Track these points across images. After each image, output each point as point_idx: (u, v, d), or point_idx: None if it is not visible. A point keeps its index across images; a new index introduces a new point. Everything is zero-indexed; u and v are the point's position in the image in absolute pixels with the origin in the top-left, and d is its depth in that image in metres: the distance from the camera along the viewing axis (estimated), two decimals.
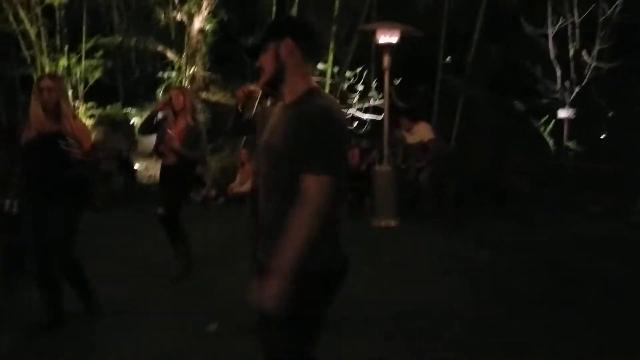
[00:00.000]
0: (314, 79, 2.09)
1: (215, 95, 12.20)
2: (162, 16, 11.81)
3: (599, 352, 3.59)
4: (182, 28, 11.86)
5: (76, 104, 11.91)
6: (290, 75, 1.98)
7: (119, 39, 12.05)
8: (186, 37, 11.77)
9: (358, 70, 11.33)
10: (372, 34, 8.04)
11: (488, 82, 12.00)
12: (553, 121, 11.04)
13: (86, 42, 11.72)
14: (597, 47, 10.35)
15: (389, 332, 3.87)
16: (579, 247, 6.41)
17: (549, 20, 10.58)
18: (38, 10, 11.04)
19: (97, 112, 12.25)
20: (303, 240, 1.80)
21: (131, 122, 12.07)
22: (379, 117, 8.56)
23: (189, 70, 11.88)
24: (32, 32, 11.13)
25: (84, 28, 11.57)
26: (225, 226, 7.07)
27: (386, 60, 7.94)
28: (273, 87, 2.04)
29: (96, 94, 12.05)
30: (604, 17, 10.21)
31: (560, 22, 10.51)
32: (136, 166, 11.44)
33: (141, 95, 12.61)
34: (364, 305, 4.39)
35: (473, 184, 9.22)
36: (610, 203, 8.43)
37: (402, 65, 10.13)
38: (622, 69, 10.25)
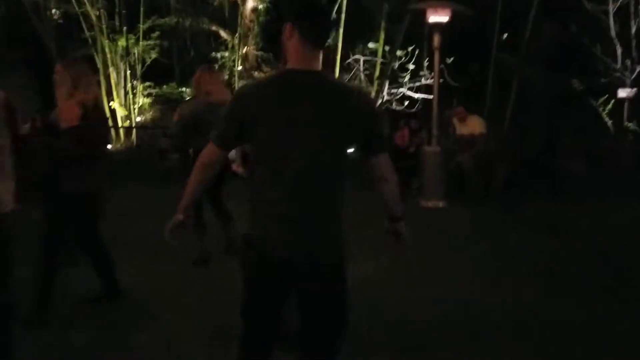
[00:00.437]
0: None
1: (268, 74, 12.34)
2: None
3: None
4: (235, 8, 12.02)
5: (134, 84, 12.34)
6: (289, 58, 2.05)
7: (175, 19, 12.33)
8: (239, 17, 11.93)
9: (410, 49, 11.22)
10: (423, 13, 7.95)
11: (544, 61, 11.66)
12: (612, 101, 10.66)
13: (143, 23, 12.08)
14: None
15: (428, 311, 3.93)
16: (635, 234, 6.24)
17: None
18: None
19: (154, 91, 12.65)
20: (187, 189, 2.15)
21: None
22: (431, 97, 8.51)
23: (242, 50, 12.05)
24: (92, 14, 11.55)
25: (141, 9, 11.90)
26: None
27: (436, 39, 7.85)
28: None
29: (153, 73, 12.42)
30: None
31: None
32: None
33: None
34: (412, 286, 4.46)
35: (525, 166, 9.05)
36: None
37: (456, 44, 9.98)
38: None
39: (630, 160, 9.66)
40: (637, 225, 6.65)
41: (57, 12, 11.98)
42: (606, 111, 10.80)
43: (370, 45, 11.63)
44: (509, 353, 3.39)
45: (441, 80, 8.75)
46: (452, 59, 10.70)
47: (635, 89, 10.27)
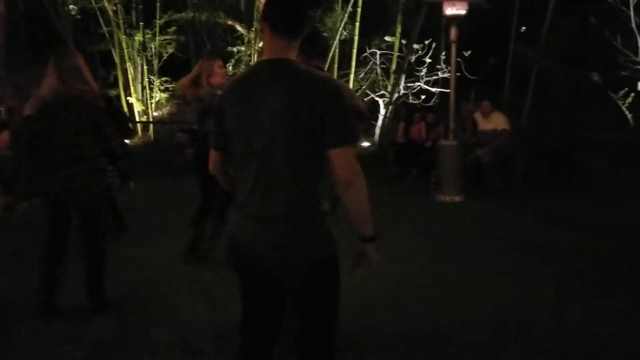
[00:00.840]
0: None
1: None
2: None
3: None
4: (251, 2, 12.01)
5: (151, 79, 12.40)
6: (264, 50, 2.08)
7: (191, 14, 12.35)
8: (255, 11, 11.92)
9: (426, 42, 11.14)
10: (440, 6, 7.88)
11: (563, 53, 11.51)
12: (632, 94, 10.49)
13: (160, 17, 12.12)
14: None
15: (446, 305, 3.91)
16: None
17: None
18: None
19: (170, 86, 12.70)
20: None
21: None
22: (448, 90, 8.45)
23: (258, 44, 12.05)
24: (109, 9, 11.62)
25: (158, 4, 11.95)
26: None
27: (453, 32, 7.78)
28: None
29: (170, 68, 12.47)
30: None
31: None
32: None
33: None
34: (423, 281, 4.45)
35: (544, 160, 8.96)
36: None
37: (473, 36, 9.88)
38: None
39: None
40: None
41: (75, 8, 12.06)
42: (626, 104, 10.63)
43: (387, 38, 11.56)
44: (530, 347, 3.37)
45: (458, 74, 8.66)
46: (469, 52, 10.59)
47: None
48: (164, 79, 12.61)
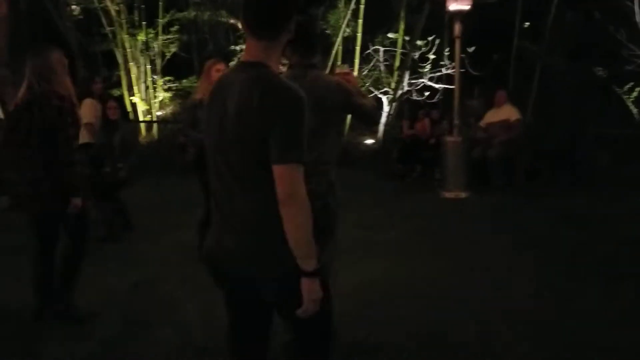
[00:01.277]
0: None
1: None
2: None
3: None
4: None
5: (154, 78, 12.40)
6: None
7: (193, 13, 12.34)
8: None
9: (430, 38, 11.10)
10: (443, 2, 7.85)
11: (568, 49, 11.44)
12: (638, 89, 10.43)
13: (162, 17, 12.10)
14: None
15: (453, 307, 3.89)
16: None
17: None
18: None
19: (174, 85, 12.71)
20: None
21: None
22: (452, 86, 8.42)
23: None
24: (112, 9, 11.61)
25: (160, 3, 11.94)
26: None
27: (457, 28, 7.76)
28: None
29: (172, 68, 12.47)
30: None
31: None
32: None
33: None
34: (428, 281, 4.43)
35: (548, 156, 8.92)
36: None
37: (477, 32, 9.84)
38: None
39: None
40: None
41: (77, 8, 12.06)
42: (631, 99, 10.57)
43: (390, 35, 11.52)
44: (538, 343, 3.34)
45: (462, 70, 8.63)
46: (473, 48, 10.55)
47: None
48: (167, 78, 12.61)
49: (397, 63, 11.65)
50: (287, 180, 1.70)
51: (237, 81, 1.82)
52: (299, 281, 1.76)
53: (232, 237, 1.86)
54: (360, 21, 11.16)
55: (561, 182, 8.34)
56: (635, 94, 10.51)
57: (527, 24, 11.47)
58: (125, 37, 11.85)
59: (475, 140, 8.41)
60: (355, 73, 11.40)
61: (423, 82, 11.47)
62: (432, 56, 11.18)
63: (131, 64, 12.07)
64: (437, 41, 11.11)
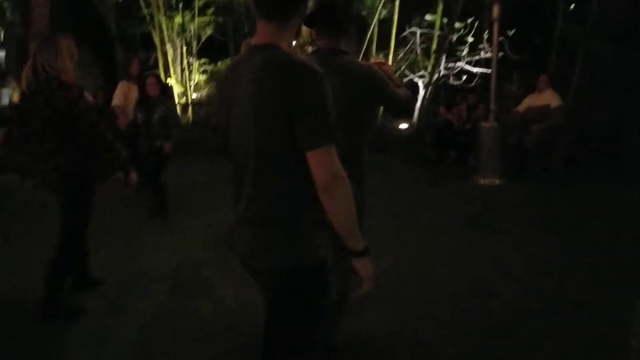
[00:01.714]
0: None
1: None
2: None
3: None
4: None
5: (190, 60, 12.48)
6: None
7: None
8: None
9: (469, 21, 10.83)
10: None
11: (613, 32, 11.00)
12: None
13: None
14: None
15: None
16: None
17: None
18: None
19: (209, 67, 12.77)
20: None
21: None
22: (490, 71, 8.20)
23: None
24: None
25: None
26: None
27: (495, 10, 7.54)
28: None
29: (208, 50, 12.52)
30: None
31: None
32: None
33: None
34: (459, 267, 4.34)
35: (590, 143, 8.64)
36: None
37: (518, 14, 9.55)
38: None
39: None
40: None
41: None
42: None
43: (428, 17, 11.28)
44: (570, 338, 3.24)
45: (501, 54, 8.39)
46: (513, 30, 10.24)
47: None
48: (202, 60, 12.68)
49: (434, 46, 11.42)
50: (324, 164, 1.59)
51: (248, 65, 1.72)
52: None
53: (249, 228, 1.76)
54: (397, 2, 10.96)
55: (603, 170, 8.06)
56: None
57: (572, 6, 11.06)
58: (162, 19, 11.94)
59: (513, 126, 8.20)
60: (391, 56, 11.23)
61: (460, 65, 11.23)
62: (470, 39, 10.91)
63: (168, 45, 12.17)
64: (476, 23, 10.83)
